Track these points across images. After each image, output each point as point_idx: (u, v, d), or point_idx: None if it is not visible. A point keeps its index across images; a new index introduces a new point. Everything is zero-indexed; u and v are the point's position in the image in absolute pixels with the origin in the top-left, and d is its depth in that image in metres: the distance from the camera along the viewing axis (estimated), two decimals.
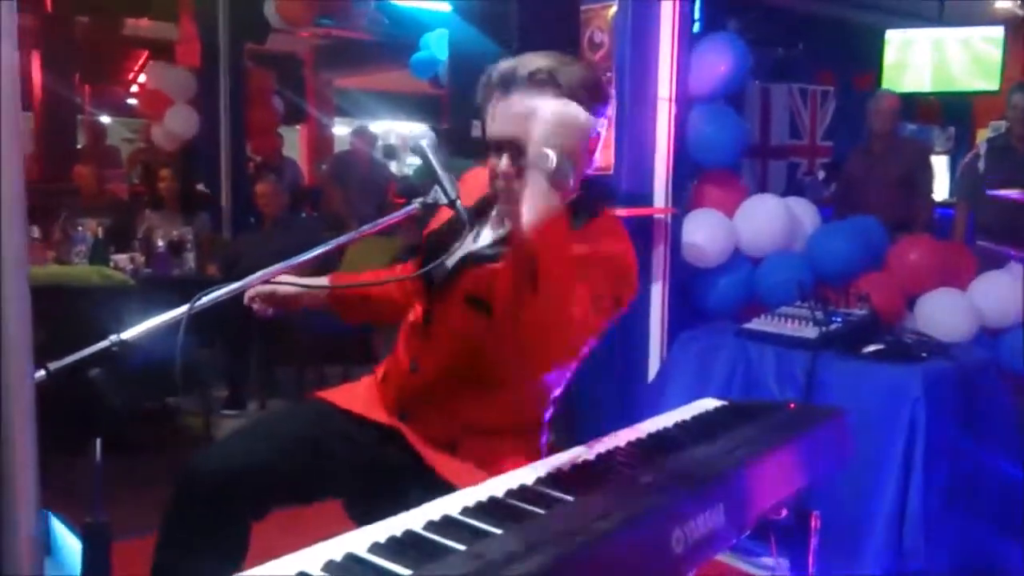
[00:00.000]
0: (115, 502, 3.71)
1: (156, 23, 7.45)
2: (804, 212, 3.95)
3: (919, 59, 8.15)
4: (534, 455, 1.66)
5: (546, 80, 1.54)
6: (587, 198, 1.64)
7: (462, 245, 1.66)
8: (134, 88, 9.95)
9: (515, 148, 1.52)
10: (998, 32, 7.46)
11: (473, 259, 1.63)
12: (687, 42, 3.65)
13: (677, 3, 3.58)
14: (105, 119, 10.41)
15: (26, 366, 0.89)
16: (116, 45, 7.81)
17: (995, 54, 7.46)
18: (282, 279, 1.73)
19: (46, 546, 3.04)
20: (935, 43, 7.97)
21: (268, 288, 1.79)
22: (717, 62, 3.70)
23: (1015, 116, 4.18)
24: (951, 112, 9.37)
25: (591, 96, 1.56)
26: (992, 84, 7.46)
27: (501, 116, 1.57)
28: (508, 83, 1.56)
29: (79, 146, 8.44)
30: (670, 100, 3.60)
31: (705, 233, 3.68)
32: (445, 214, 1.67)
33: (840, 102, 8.93)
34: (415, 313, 1.72)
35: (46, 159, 8.00)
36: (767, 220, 3.77)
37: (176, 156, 6.43)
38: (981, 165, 4.32)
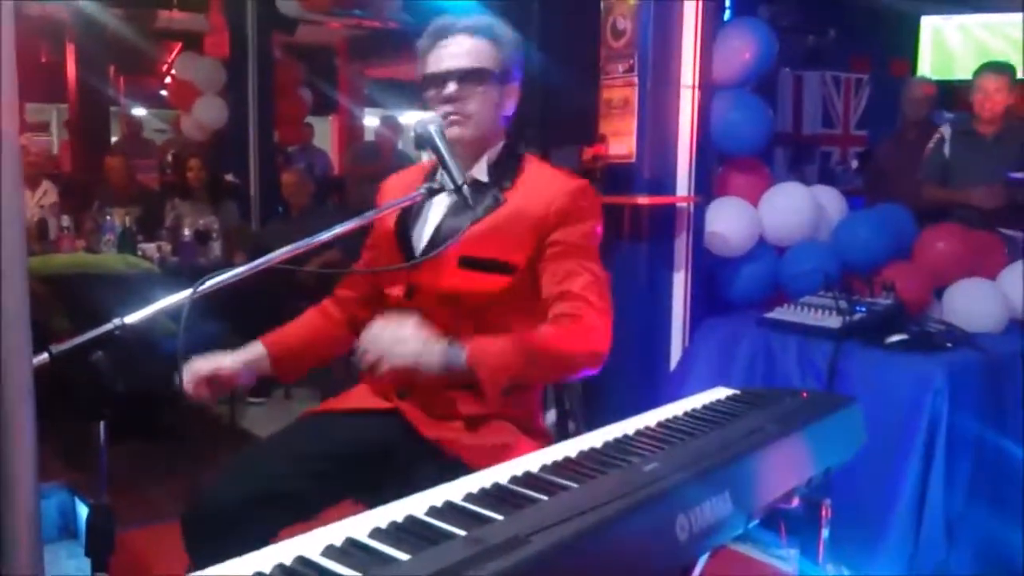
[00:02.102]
0: (142, 488, 3.78)
1: (189, 15, 7.52)
2: (830, 201, 3.90)
3: (955, 45, 8.01)
4: (534, 410, 1.82)
5: (482, 32, 1.78)
6: (507, 156, 1.82)
7: (429, 215, 1.81)
8: (167, 80, 10.05)
9: (458, 74, 1.74)
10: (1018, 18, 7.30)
11: (454, 227, 1.74)
12: (712, 28, 3.61)
13: None
14: (138, 110, 10.53)
15: (24, 348, 0.91)
16: (149, 37, 7.90)
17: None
18: (218, 361, 1.78)
19: (71, 529, 3.10)
20: (970, 29, 7.83)
21: (208, 370, 1.77)
22: (742, 48, 3.65)
23: (982, 100, 4.03)
24: None
25: (515, 47, 1.82)
26: None
27: (443, 55, 1.77)
28: (447, 31, 1.78)
29: (113, 138, 8.54)
30: (694, 87, 3.56)
31: (729, 222, 3.64)
32: (389, 219, 1.80)
33: (874, 90, 8.79)
34: (393, 296, 1.79)
35: (80, 150, 8.11)
36: (792, 209, 3.72)
37: (205, 146, 6.49)
38: (947, 150, 4.20)
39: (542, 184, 1.76)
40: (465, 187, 1.58)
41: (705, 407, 1.64)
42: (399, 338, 1.53)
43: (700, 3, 3.55)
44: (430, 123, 1.66)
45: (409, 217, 1.81)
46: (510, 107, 1.86)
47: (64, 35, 8.18)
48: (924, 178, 4.27)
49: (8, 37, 0.90)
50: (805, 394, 1.67)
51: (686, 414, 1.60)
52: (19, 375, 0.89)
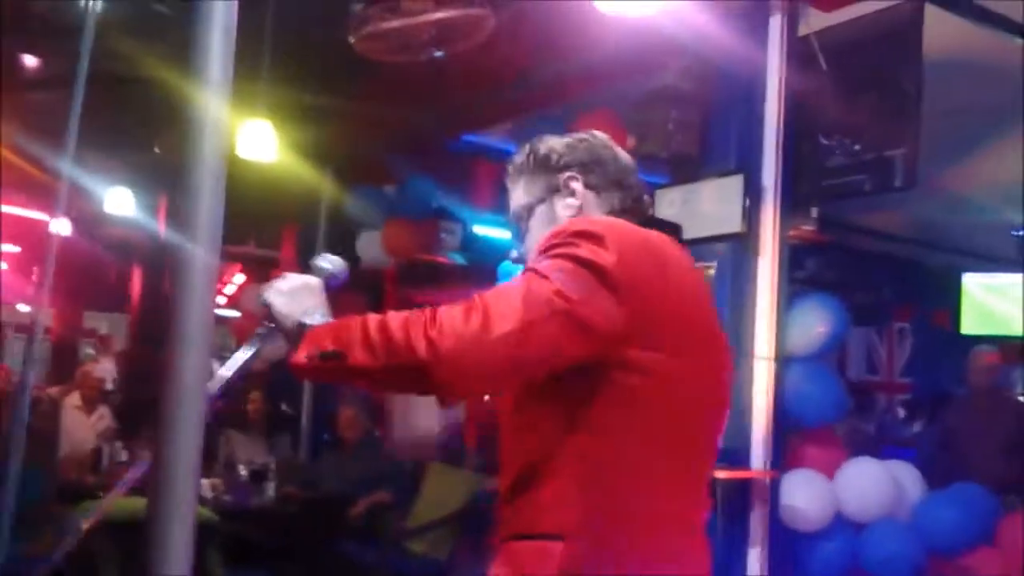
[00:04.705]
0: None
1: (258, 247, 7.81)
2: (906, 477, 3.80)
3: (997, 302, 8.05)
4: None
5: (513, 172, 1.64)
6: None
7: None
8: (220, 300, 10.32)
9: (511, 218, 1.66)
10: None
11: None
12: (785, 302, 3.67)
13: (776, 265, 3.62)
14: None
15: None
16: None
17: None
18: None
19: None
20: (1012, 287, 7.88)
21: None
22: (816, 322, 3.69)
23: None
24: None
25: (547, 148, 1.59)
26: None
27: None
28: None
29: None
30: (769, 359, 3.58)
31: (804, 495, 3.54)
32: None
33: (918, 339, 8.82)
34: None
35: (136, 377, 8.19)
36: (869, 484, 3.62)
37: (263, 376, 6.54)
38: None
39: None
40: None
41: None
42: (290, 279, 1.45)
43: (775, 277, 3.62)
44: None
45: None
46: (571, 206, 1.55)
47: (132, 255, 8.48)
48: None
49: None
50: None
51: None
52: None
